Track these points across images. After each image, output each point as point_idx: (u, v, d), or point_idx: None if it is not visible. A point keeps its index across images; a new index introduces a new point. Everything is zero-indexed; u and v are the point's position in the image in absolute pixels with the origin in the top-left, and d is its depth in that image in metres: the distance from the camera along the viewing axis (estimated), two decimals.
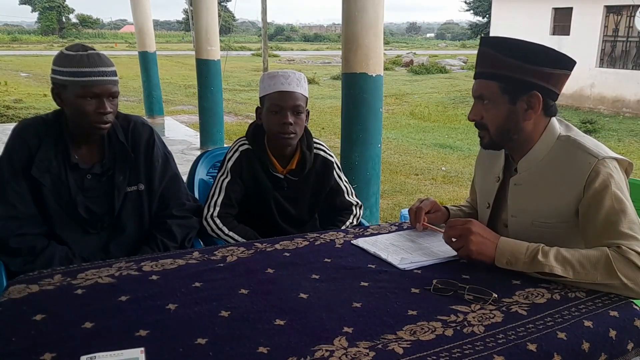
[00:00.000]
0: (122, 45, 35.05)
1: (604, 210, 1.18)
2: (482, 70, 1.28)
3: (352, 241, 1.39)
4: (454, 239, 1.26)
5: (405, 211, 3.46)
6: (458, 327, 0.97)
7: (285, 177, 1.69)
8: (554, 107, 1.30)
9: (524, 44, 1.23)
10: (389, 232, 1.47)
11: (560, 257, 1.15)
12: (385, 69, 9.68)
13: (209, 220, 1.63)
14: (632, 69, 10.62)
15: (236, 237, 1.62)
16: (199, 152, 3.55)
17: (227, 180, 1.66)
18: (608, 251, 1.13)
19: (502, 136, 1.30)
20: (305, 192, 1.74)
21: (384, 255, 1.28)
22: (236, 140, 1.73)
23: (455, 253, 1.27)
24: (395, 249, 1.32)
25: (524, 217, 1.32)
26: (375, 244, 1.35)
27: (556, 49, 1.24)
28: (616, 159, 1.24)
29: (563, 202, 1.25)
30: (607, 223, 1.17)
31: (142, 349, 0.88)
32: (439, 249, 1.31)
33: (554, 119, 1.32)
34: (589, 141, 1.27)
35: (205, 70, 5.68)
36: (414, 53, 26.17)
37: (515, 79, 1.23)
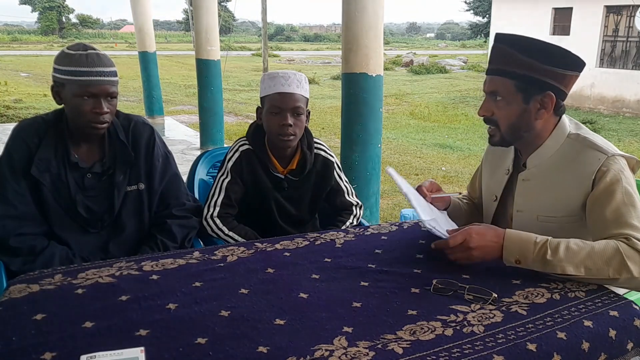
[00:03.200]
0: (122, 45, 35.05)
1: (614, 203, 1.19)
2: (497, 67, 1.28)
3: (388, 169, 1.38)
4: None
5: (405, 211, 3.46)
6: (458, 327, 0.97)
7: (285, 177, 1.69)
8: (563, 106, 1.31)
9: (541, 43, 1.24)
10: (389, 232, 1.47)
11: (571, 254, 1.13)
12: (385, 69, 9.68)
13: (209, 220, 1.63)
14: (632, 69, 10.62)
15: (236, 237, 1.62)
16: (199, 152, 3.55)
17: (227, 180, 1.66)
18: (618, 244, 1.13)
19: (512, 134, 1.31)
20: (306, 192, 1.74)
21: (415, 204, 1.26)
22: (236, 141, 1.73)
23: None
24: (424, 208, 1.30)
25: (530, 212, 1.33)
26: (408, 189, 1.33)
27: None
28: (624, 157, 1.26)
29: (570, 197, 1.26)
30: (616, 215, 1.18)
31: (142, 348, 0.88)
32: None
33: (564, 117, 1.33)
34: (598, 139, 1.29)
35: (205, 70, 5.68)
36: (414, 53, 26.17)
37: (531, 78, 1.24)
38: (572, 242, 1.15)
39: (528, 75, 1.24)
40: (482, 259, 1.20)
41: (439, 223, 1.29)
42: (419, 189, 1.45)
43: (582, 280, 1.15)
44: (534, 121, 1.29)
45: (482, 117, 1.34)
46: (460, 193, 1.58)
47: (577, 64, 1.25)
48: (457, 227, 1.35)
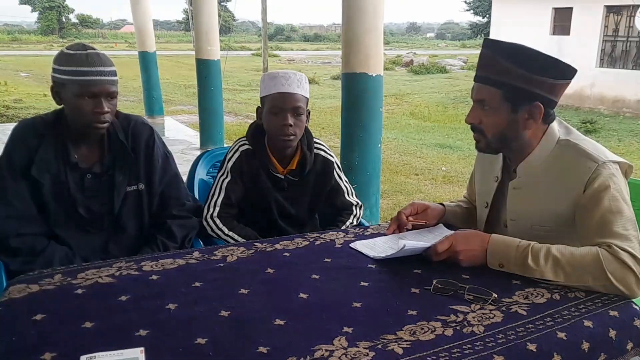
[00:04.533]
0: (122, 45, 35.05)
1: (600, 209, 1.18)
2: (485, 74, 1.26)
3: (350, 244, 1.38)
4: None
5: None
6: (458, 327, 0.97)
7: (285, 177, 1.69)
8: (553, 114, 1.29)
9: (530, 52, 1.21)
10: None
11: (551, 260, 1.14)
12: (385, 69, 9.63)
13: (209, 220, 1.63)
14: (632, 68, 10.62)
15: (236, 237, 1.61)
16: (198, 152, 3.54)
17: (227, 180, 1.66)
18: (599, 252, 1.12)
19: (499, 143, 1.29)
20: (306, 192, 1.73)
21: (384, 255, 1.27)
22: (236, 141, 1.73)
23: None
24: (394, 252, 1.31)
25: (523, 221, 1.32)
26: (374, 248, 1.35)
27: (556, 49, 1.24)
28: (616, 162, 1.23)
29: (562, 207, 1.25)
30: (602, 222, 1.17)
31: (142, 348, 0.88)
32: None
33: (554, 123, 1.31)
34: (588, 144, 1.26)
35: (205, 70, 5.68)
36: (414, 53, 26.16)
37: (519, 89, 1.22)
38: (553, 248, 1.16)
39: (516, 85, 1.21)
40: (469, 262, 1.22)
41: (411, 239, 1.31)
42: (398, 215, 1.44)
43: (565, 286, 1.14)
44: (522, 131, 1.27)
45: (469, 125, 1.32)
46: (442, 204, 1.57)
47: (568, 73, 1.23)
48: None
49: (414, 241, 1.29)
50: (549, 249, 1.16)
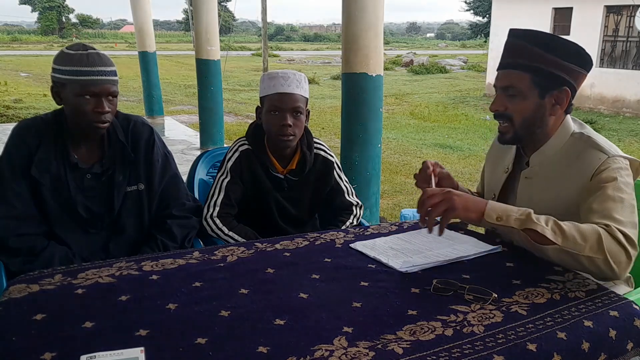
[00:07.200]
0: (122, 45, 35.06)
1: (603, 196, 1.20)
2: (513, 61, 1.27)
3: (350, 245, 1.38)
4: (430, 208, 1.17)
5: (405, 211, 3.45)
6: (458, 327, 0.97)
7: (285, 177, 1.69)
8: (572, 104, 1.32)
9: (559, 39, 1.25)
10: (389, 232, 1.47)
11: (552, 222, 1.16)
12: (385, 69, 9.68)
13: (209, 220, 1.63)
14: (632, 69, 10.62)
15: (236, 237, 1.62)
16: (198, 152, 3.55)
17: (226, 180, 1.66)
18: (598, 228, 1.15)
19: (526, 129, 1.31)
20: (306, 192, 1.74)
21: (384, 260, 1.27)
22: (236, 141, 1.73)
23: (456, 256, 1.26)
24: (395, 253, 1.31)
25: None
26: (374, 248, 1.34)
27: None
28: (627, 159, 1.26)
29: (570, 196, 1.27)
30: (602, 207, 1.19)
31: (142, 348, 0.88)
32: (439, 251, 1.30)
33: (568, 116, 1.34)
34: (601, 139, 1.30)
35: (205, 70, 5.69)
36: (414, 53, 26.18)
37: (548, 73, 1.24)
38: (554, 218, 1.18)
39: (547, 70, 1.24)
40: (463, 211, 1.17)
41: (414, 257, 1.27)
42: (424, 165, 1.41)
43: (561, 264, 1.16)
44: (548, 117, 1.29)
45: (494, 113, 1.33)
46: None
47: (590, 63, 1.27)
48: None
49: (416, 260, 1.25)
50: (549, 216, 1.18)
